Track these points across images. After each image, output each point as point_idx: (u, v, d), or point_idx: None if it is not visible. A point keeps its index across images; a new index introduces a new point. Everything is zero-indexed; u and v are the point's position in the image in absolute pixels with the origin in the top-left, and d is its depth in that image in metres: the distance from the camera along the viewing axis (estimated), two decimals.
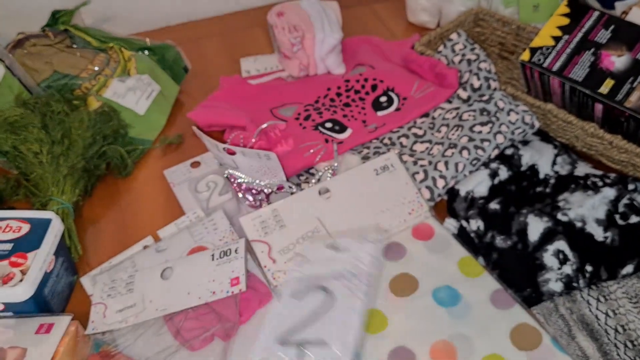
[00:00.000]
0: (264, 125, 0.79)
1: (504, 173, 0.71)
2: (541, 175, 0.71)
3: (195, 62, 0.98)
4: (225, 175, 0.73)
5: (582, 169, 0.71)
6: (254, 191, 0.70)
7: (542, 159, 0.71)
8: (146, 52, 0.95)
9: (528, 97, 0.76)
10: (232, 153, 0.71)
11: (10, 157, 0.76)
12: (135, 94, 0.86)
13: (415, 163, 0.72)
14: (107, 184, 0.80)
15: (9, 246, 0.60)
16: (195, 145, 0.83)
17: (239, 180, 0.71)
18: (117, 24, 1.06)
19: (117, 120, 0.83)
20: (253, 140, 0.77)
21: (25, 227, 0.62)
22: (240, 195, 0.72)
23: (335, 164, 0.72)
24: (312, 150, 0.76)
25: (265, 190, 0.70)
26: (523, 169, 0.71)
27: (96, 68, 0.89)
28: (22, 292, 0.57)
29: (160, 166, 0.81)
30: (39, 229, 0.62)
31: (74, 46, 0.93)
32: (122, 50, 0.93)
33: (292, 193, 0.71)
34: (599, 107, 0.72)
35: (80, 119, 0.78)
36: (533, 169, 0.71)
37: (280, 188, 0.70)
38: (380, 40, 0.98)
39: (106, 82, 0.88)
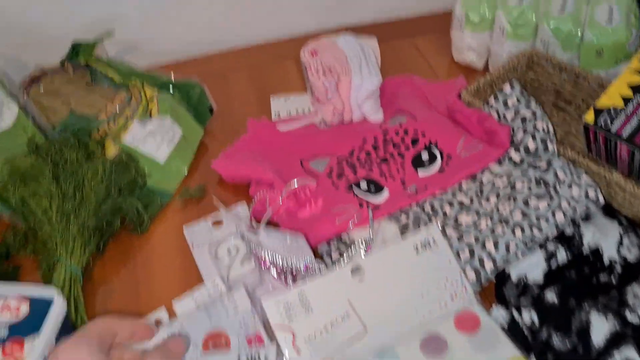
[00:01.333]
0: (293, 186, 0.72)
1: (562, 256, 0.62)
2: (605, 260, 0.62)
3: (221, 99, 0.91)
4: (251, 250, 0.67)
5: None
6: (278, 269, 0.63)
7: (606, 240, 0.63)
8: (170, 88, 0.89)
9: (591, 164, 0.67)
10: (253, 230, 0.65)
11: (18, 211, 0.71)
12: (155, 139, 0.80)
13: (460, 239, 0.64)
14: (121, 241, 0.74)
15: (4, 331, 0.54)
16: (220, 197, 0.76)
17: (264, 256, 0.64)
18: (142, 55, 1.00)
19: (136, 169, 0.77)
20: (280, 201, 0.70)
21: (24, 308, 0.56)
22: (263, 267, 0.65)
23: (371, 237, 0.65)
24: (345, 216, 0.68)
25: (292, 271, 0.63)
26: (584, 251, 0.63)
27: (116, 108, 0.84)
28: None
29: (179, 221, 0.75)
30: (40, 309, 0.56)
31: (94, 83, 0.88)
32: (145, 89, 0.86)
33: (320, 270, 0.63)
34: None
35: (94, 169, 0.72)
36: (596, 252, 0.62)
37: (306, 268, 0.63)
38: (422, 81, 0.89)
39: (126, 124, 0.82)
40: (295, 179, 0.72)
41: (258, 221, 0.70)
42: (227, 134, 0.86)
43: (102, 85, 0.87)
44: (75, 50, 0.89)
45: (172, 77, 0.90)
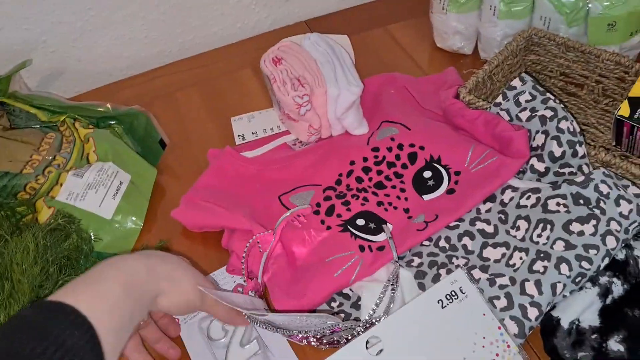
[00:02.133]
0: (285, 216, 0.59)
1: (618, 288, 0.51)
2: None
3: (173, 127, 0.77)
4: (247, 316, 0.53)
5: None
6: (298, 337, 0.50)
7: None
8: (109, 122, 0.73)
9: (632, 166, 0.56)
10: (259, 315, 0.51)
11: None
12: (97, 192, 0.65)
13: (492, 282, 0.52)
14: None
15: None
16: (188, 252, 0.62)
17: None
18: (70, 82, 0.85)
19: (77, 234, 0.62)
20: (274, 239, 0.58)
21: None
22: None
23: (396, 294, 0.52)
24: (344, 267, 0.55)
25: (316, 335, 0.50)
26: None
27: (44, 156, 0.68)
28: None
29: None
30: None
31: (15, 126, 0.72)
32: (77, 127, 0.71)
33: (353, 331, 0.50)
34: None
35: (23, 247, 0.57)
36: None
37: (336, 330, 0.50)
38: (406, 79, 0.76)
39: (59, 177, 0.67)
40: (289, 211, 0.59)
41: (249, 276, 0.57)
42: (185, 169, 0.72)
43: (24, 129, 0.72)
44: None
45: (110, 107, 0.75)
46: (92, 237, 0.64)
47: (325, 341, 0.51)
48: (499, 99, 0.63)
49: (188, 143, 0.76)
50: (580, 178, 0.54)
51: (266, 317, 0.50)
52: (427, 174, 0.63)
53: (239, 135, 0.75)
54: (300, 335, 0.50)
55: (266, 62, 0.71)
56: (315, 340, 0.50)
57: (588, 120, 0.70)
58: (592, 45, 0.69)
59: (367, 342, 0.49)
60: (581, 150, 0.58)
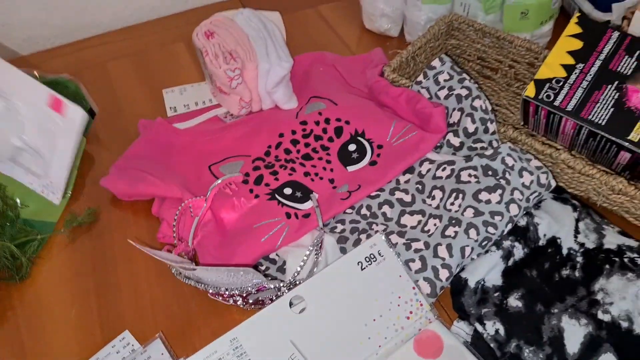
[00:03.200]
0: (217, 182, 0.60)
1: (519, 252, 0.56)
2: (564, 251, 0.56)
3: (104, 96, 0.77)
4: (175, 271, 0.55)
5: (612, 237, 0.57)
6: (225, 294, 0.52)
7: (562, 229, 0.57)
8: None
9: (535, 142, 0.61)
10: (190, 269, 0.52)
11: None
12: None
13: (408, 247, 0.56)
14: None
15: None
16: (117, 221, 0.63)
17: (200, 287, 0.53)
18: None
19: (3, 199, 0.62)
20: (205, 205, 0.59)
21: None
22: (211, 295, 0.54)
23: (319, 258, 0.55)
24: (271, 232, 0.58)
25: (242, 294, 0.52)
26: (541, 243, 0.57)
27: None
28: None
29: (69, 258, 0.61)
30: None
31: None
32: None
33: (278, 292, 0.53)
34: (625, 156, 0.58)
35: None
36: (554, 242, 0.57)
37: (261, 288, 0.52)
38: (335, 57, 0.79)
39: None
40: (220, 178, 0.61)
41: (179, 239, 0.59)
42: (115, 139, 0.73)
43: None
44: None
45: (37, 74, 0.74)
46: (19, 204, 0.63)
47: (251, 301, 0.53)
48: (420, 78, 0.67)
49: (119, 113, 0.76)
50: (489, 151, 0.59)
51: (195, 271, 0.52)
52: (352, 147, 0.66)
53: (170, 107, 0.76)
54: (227, 293, 0.52)
55: (199, 35, 0.72)
56: (241, 299, 0.53)
57: (500, 101, 0.75)
58: (507, 32, 0.74)
59: (291, 301, 0.52)
60: (492, 127, 0.63)
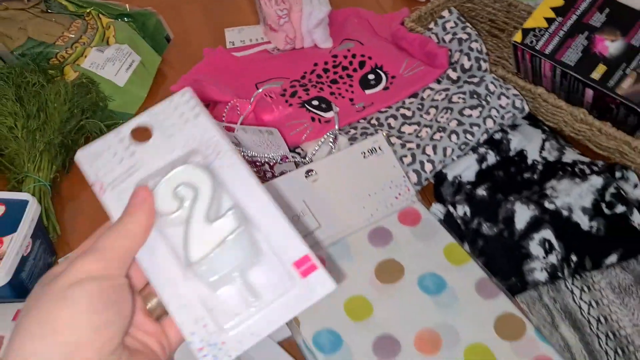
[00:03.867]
0: (260, 90, 0.77)
1: (492, 158, 0.70)
2: (529, 161, 0.70)
3: (177, 31, 0.94)
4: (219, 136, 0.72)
5: (570, 155, 0.70)
6: (257, 163, 0.68)
7: (530, 144, 0.71)
8: (126, 19, 0.91)
9: (518, 80, 0.75)
10: (232, 130, 0.69)
11: None
12: (114, 65, 0.83)
13: (403, 146, 0.71)
14: None
15: None
16: None
17: (242, 154, 0.69)
18: None
19: (96, 92, 0.80)
20: (249, 107, 0.76)
21: (1, 210, 0.60)
22: None
23: (334, 150, 0.71)
24: (298, 129, 0.74)
25: (269, 162, 0.68)
26: (511, 154, 0.71)
27: (73, 35, 0.86)
28: None
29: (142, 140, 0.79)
30: (16, 211, 0.60)
31: (49, 11, 0.89)
32: (100, 17, 0.89)
33: (296, 163, 0.69)
34: (589, 93, 0.72)
35: (56, 91, 0.75)
36: (521, 154, 0.70)
37: (284, 158, 0.69)
38: (369, 13, 0.95)
39: (84, 51, 0.84)
40: (262, 87, 0.77)
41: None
42: (183, 63, 0.90)
43: (57, 14, 0.89)
44: None
45: (127, 7, 0.92)
46: (107, 97, 0.82)
47: (277, 173, 0.70)
48: (431, 25, 0.82)
49: (188, 44, 0.94)
50: (477, 80, 0.73)
51: (237, 132, 0.68)
52: (371, 76, 0.81)
53: (230, 42, 0.93)
54: (260, 162, 0.68)
55: None
56: (269, 168, 0.69)
57: (503, 55, 0.89)
58: None
59: (307, 173, 0.68)
60: (485, 65, 0.77)
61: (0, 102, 0.73)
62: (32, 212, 0.60)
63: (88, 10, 0.90)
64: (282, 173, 0.70)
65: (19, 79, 0.76)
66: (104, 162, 0.40)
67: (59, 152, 0.73)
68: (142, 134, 0.41)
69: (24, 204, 0.60)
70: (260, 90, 0.78)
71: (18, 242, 0.58)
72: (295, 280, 0.37)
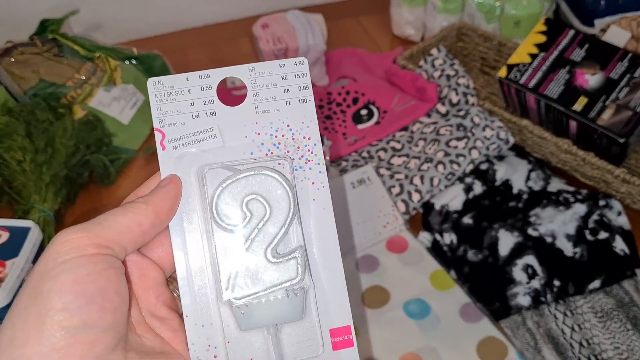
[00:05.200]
0: None
1: (478, 188, 0.72)
2: (515, 191, 0.72)
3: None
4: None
5: (555, 184, 0.72)
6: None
7: (516, 174, 0.73)
8: (133, 61, 0.96)
9: (505, 113, 0.78)
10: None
11: None
12: (119, 104, 0.88)
13: (391, 177, 0.73)
14: (90, 193, 0.81)
15: None
16: None
17: None
18: (105, 33, 1.07)
19: (101, 129, 0.84)
20: None
21: (5, 235, 0.63)
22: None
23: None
24: None
25: None
26: (497, 184, 0.73)
27: (82, 77, 0.91)
28: None
29: (144, 175, 0.82)
30: (18, 237, 0.63)
31: (62, 55, 0.94)
32: (109, 60, 0.94)
33: None
34: (573, 124, 0.74)
35: (64, 127, 0.79)
36: (507, 184, 0.72)
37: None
38: (364, 52, 0.99)
39: (92, 91, 0.89)
40: None
41: None
42: None
43: (68, 58, 0.94)
44: (44, 25, 0.96)
45: (135, 51, 0.98)
46: (112, 134, 0.86)
47: None
48: (421, 62, 0.85)
49: None
50: (463, 113, 0.76)
51: None
52: (364, 111, 0.85)
53: (231, 82, 0.97)
54: None
55: (257, 26, 0.94)
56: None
57: (494, 91, 0.92)
58: (504, 38, 0.92)
59: None
60: (472, 99, 0.80)
61: (12, 138, 0.77)
62: (34, 238, 0.63)
63: (98, 54, 0.95)
64: None
65: (29, 117, 0.80)
66: (177, 108, 0.33)
67: (64, 185, 0.77)
68: (230, 97, 0.32)
69: (26, 230, 0.63)
70: None
71: (19, 266, 0.61)
72: (325, 350, 0.32)
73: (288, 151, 0.33)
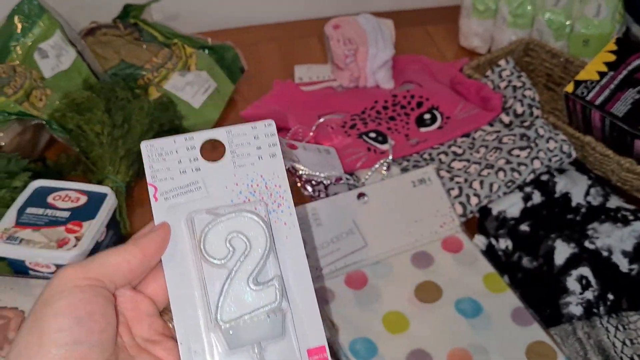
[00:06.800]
0: (321, 120, 0.83)
1: (537, 198, 0.73)
2: (573, 204, 0.72)
3: (251, 65, 1.03)
4: (287, 168, 0.77)
5: (614, 201, 0.72)
6: (313, 182, 0.74)
7: (575, 188, 0.73)
8: (207, 50, 1.00)
9: (568, 128, 0.78)
10: (294, 147, 0.75)
11: (74, 136, 0.82)
12: (192, 88, 0.92)
13: (451, 179, 0.75)
14: None
15: (67, 214, 0.65)
16: None
17: (300, 173, 0.74)
18: (183, 22, 1.12)
19: (174, 111, 0.89)
20: (311, 133, 0.82)
21: (83, 199, 0.67)
22: (299, 185, 0.76)
23: (385, 168, 0.76)
24: (354, 157, 0.79)
25: (325, 182, 0.73)
26: (556, 195, 0.73)
27: (159, 61, 0.95)
28: (74, 256, 0.62)
29: (211, 159, 0.86)
30: (96, 201, 0.67)
31: (141, 39, 0.99)
32: (185, 47, 0.98)
33: (349, 185, 0.74)
34: (638, 144, 0.74)
35: (140, 106, 0.84)
36: (566, 197, 0.73)
37: (338, 180, 0.74)
38: (430, 61, 1.01)
39: (167, 74, 0.94)
40: (324, 117, 0.84)
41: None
42: (254, 93, 0.98)
43: (148, 42, 0.99)
44: (126, 10, 1.01)
45: (210, 41, 1.02)
46: (183, 116, 0.90)
47: (330, 192, 0.74)
48: (488, 72, 0.86)
49: (260, 77, 1.02)
50: (527, 124, 0.77)
51: (297, 150, 0.73)
52: (427, 116, 0.86)
53: (298, 77, 1.01)
54: (314, 182, 0.73)
55: (329, 26, 0.97)
56: (324, 188, 0.74)
57: (557, 107, 0.92)
58: (571, 56, 0.92)
59: (359, 195, 0.72)
60: (536, 112, 0.81)
61: (92, 112, 0.82)
62: (109, 203, 0.67)
63: (175, 41, 0.99)
64: (335, 194, 0.75)
65: (109, 94, 0.85)
66: (166, 166, 0.39)
67: (136, 160, 0.81)
68: (210, 153, 0.40)
69: (103, 196, 0.67)
70: (322, 119, 0.84)
71: (95, 227, 0.64)
72: None
73: (262, 197, 0.39)
